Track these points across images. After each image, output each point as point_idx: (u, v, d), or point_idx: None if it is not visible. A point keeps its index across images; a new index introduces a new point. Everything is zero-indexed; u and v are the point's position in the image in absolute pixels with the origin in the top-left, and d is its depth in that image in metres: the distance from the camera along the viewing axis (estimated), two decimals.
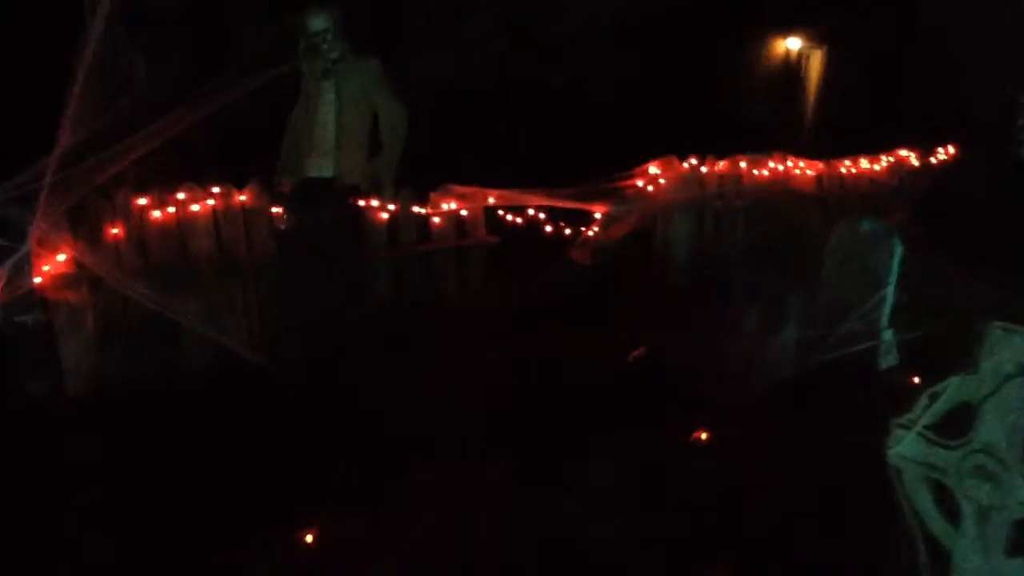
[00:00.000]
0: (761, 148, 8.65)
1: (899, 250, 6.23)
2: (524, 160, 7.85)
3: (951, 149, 10.06)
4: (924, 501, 2.86)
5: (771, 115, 14.03)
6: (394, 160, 5.95)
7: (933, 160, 9.90)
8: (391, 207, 6.53)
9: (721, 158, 8.25)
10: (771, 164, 8.53)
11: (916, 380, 6.07)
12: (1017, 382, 2.66)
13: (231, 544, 3.96)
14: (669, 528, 4.28)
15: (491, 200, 7.00)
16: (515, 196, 7.02)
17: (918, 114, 10.69)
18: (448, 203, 6.87)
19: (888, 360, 6.32)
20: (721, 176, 8.24)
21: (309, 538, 4.04)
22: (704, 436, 5.19)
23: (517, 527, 4.23)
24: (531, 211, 7.02)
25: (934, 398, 2.86)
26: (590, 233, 6.99)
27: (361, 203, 6.22)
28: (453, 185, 6.90)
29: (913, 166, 9.74)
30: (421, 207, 6.76)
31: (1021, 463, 2.65)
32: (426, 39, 9.60)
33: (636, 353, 6.11)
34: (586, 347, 6.30)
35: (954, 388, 2.82)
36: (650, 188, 7.63)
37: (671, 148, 8.04)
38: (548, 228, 7.02)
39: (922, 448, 2.85)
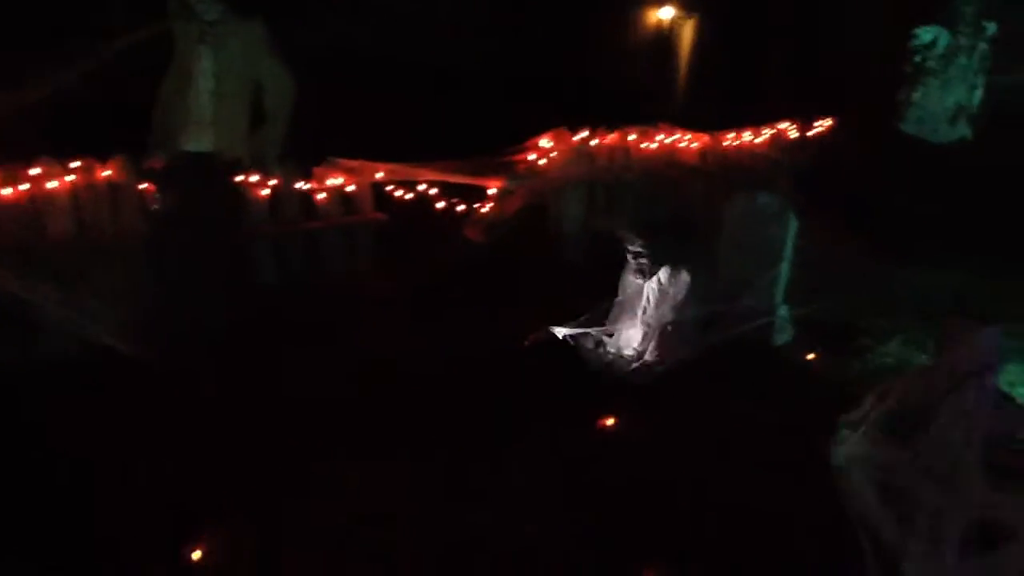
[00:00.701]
0: (642, 120, 8.54)
1: (794, 224, 6.26)
2: (412, 134, 7.49)
3: (828, 121, 10.28)
4: (871, 502, 2.78)
5: (646, 86, 14.04)
6: (280, 133, 5.53)
7: (812, 132, 10.08)
8: (272, 182, 6.09)
9: (611, 130, 8.12)
10: (658, 136, 8.46)
11: (810, 356, 6.16)
12: (972, 381, 2.58)
13: (99, 563, 3.55)
14: (586, 524, 4.14)
15: (379, 175, 6.65)
16: (405, 171, 6.68)
17: (792, 85, 10.87)
18: (334, 178, 6.47)
19: (783, 336, 6.36)
20: (611, 149, 8.11)
21: (196, 555, 3.66)
22: (611, 422, 5.06)
23: (426, 534, 3.98)
24: (422, 186, 6.70)
25: (883, 395, 2.76)
26: (484, 210, 6.72)
27: (241, 179, 5.76)
28: (339, 159, 6.51)
29: (793, 138, 9.90)
30: (305, 182, 6.34)
31: (977, 464, 2.58)
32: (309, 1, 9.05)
33: (535, 336, 5.93)
34: (482, 330, 6.09)
35: (904, 385, 2.72)
36: (542, 162, 7.41)
37: (551, 122, 7.85)
38: (440, 204, 6.71)
39: (870, 448, 2.76)
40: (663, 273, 5.92)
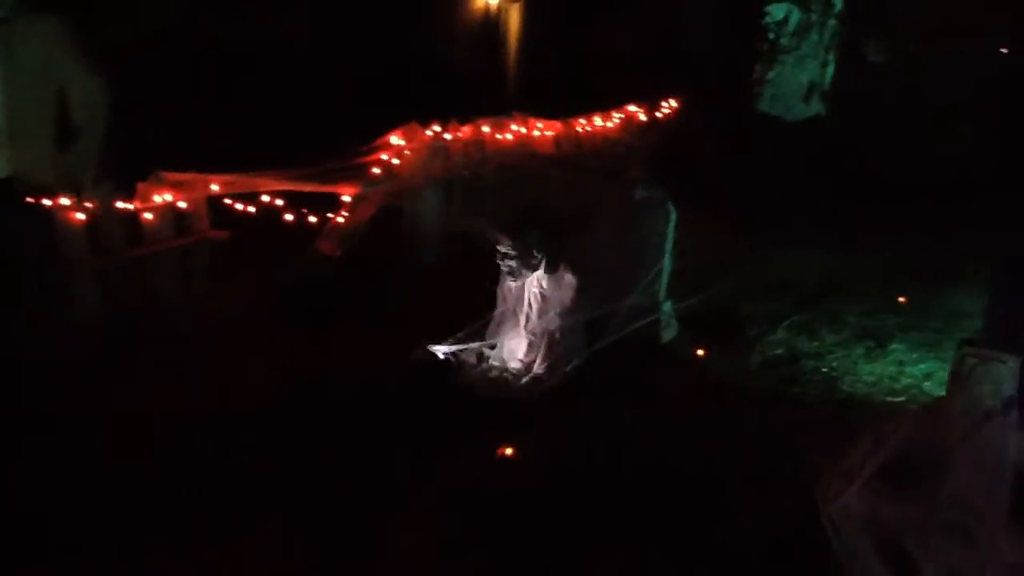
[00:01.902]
0: (476, 110, 7.99)
1: (674, 216, 5.93)
2: (246, 139, 6.70)
3: (674, 103, 10.11)
4: (871, 563, 2.36)
5: (479, 74, 13.53)
6: (94, 149, 4.65)
7: (659, 114, 9.88)
8: (88, 206, 5.20)
9: (464, 122, 7.57)
10: (513, 127, 7.99)
11: (700, 352, 5.86)
12: (997, 421, 2.18)
13: None
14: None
15: (215, 188, 5.84)
16: (244, 181, 5.91)
17: (638, 67, 10.64)
18: (161, 195, 5.63)
19: (669, 333, 6.04)
20: (465, 143, 7.57)
21: None
22: (509, 452, 4.55)
23: None
24: (266, 198, 5.93)
25: (880, 440, 2.33)
26: (338, 220, 6.03)
27: (49, 204, 4.85)
28: (165, 173, 5.67)
29: (642, 121, 9.67)
30: (128, 202, 5.47)
31: (1005, 515, 2.20)
32: None
33: (418, 355, 5.35)
34: (347, 356, 5.45)
35: (908, 427, 2.31)
36: (395, 161, 6.78)
37: (389, 116, 7.25)
38: (288, 217, 5.96)
39: (869, 502, 2.34)
40: (544, 277, 5.45)
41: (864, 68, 9.16)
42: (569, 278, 5.38)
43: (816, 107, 9.37)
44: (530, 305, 5.49)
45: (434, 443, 4.52)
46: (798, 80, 9.32)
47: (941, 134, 8.74)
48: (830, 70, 9.32)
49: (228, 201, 5.89)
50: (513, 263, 5.41)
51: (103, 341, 5.32)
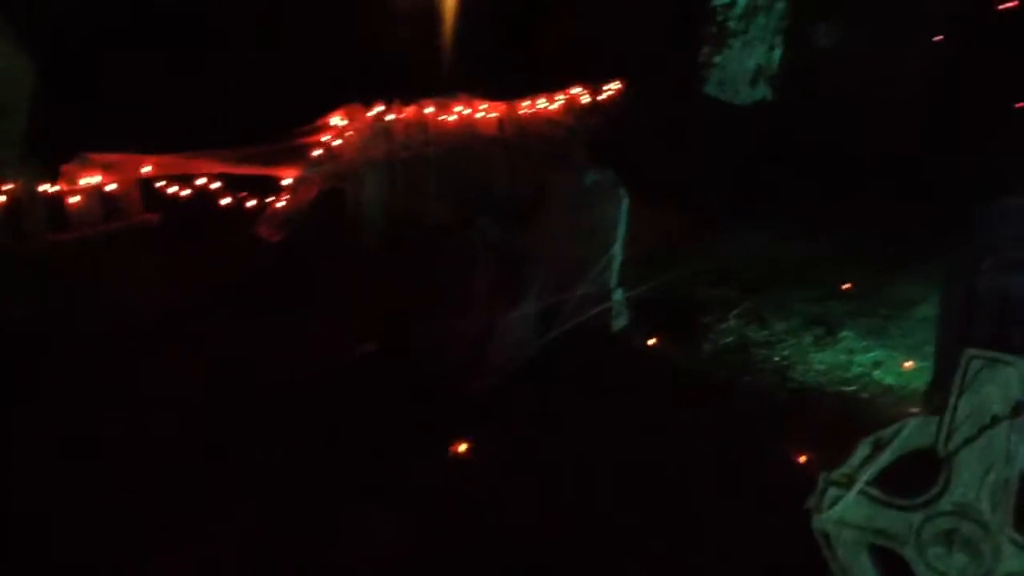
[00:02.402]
0: (413, 91, 7.74)
1: (626, 202, 5.82)
2: (180, 119, 6.36)
3: (617, 85, 9.96)
4: (866, 574, 2.29)
5: (417, 55, 13.22)
6: (16, 128, 4.33)
7: (602, 97, 9.74)
8: (8, 187, 4.86)
9: (406, 103, 7.33)
10: (457, 108, 7.78)
11: (652, 342, 5.79)
12: (1004, 426, 2.11)
13: None
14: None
15: (147, 169, 5.52)
16: (179, 163, 5.62)
17: (579, 48, 10.46)
18: (89, 177, 5.29)
19: (620, 322, 5.95)
20: (408, 124, 7.33)
21: None
22: (463, 448, 4.40)
23: None
24: (202, 180, 5.64)
25: (880, 445, 2.25)
26: (279, 204, 5.77)
27: None
28: (92, 154, 5.33)
29: (584, 104, 9.52)
30: (52, 184, 5.13)
31: (1009, 527, 2.14)
32: None
33: (364, 347, 5.15)
34: (293, 348, 5.21)
35: (910, 432, 2.22)
36: (336, 143, 6.53)
37: (329, 96, 6.99)
38: (226, 200, 5.68)
39: (866, 510, 2.26)
40: (496, 263, 5.30)
41: (812, 51, 9.16)
42: (525, 266, 5.23)
43: (762, 91, 9.34)
44: (484, 293, 5.33)
45: (385, 441, 4.34)
46: (745, 64, 9.28)
47: (882, 112, 8.81)
48: (778, 53, 9.30)
49: (161, 184, 5.58)
50: (471, 249, 5.26)
51: (26, 330, 4.99)
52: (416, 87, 8.03)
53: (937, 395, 4.50)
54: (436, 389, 4.94)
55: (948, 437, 2.17)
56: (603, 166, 6.08)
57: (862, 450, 2.26)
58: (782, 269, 7.03)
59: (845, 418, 4.81)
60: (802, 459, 4.35)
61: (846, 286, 6.80)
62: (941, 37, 9.45)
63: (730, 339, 5.83)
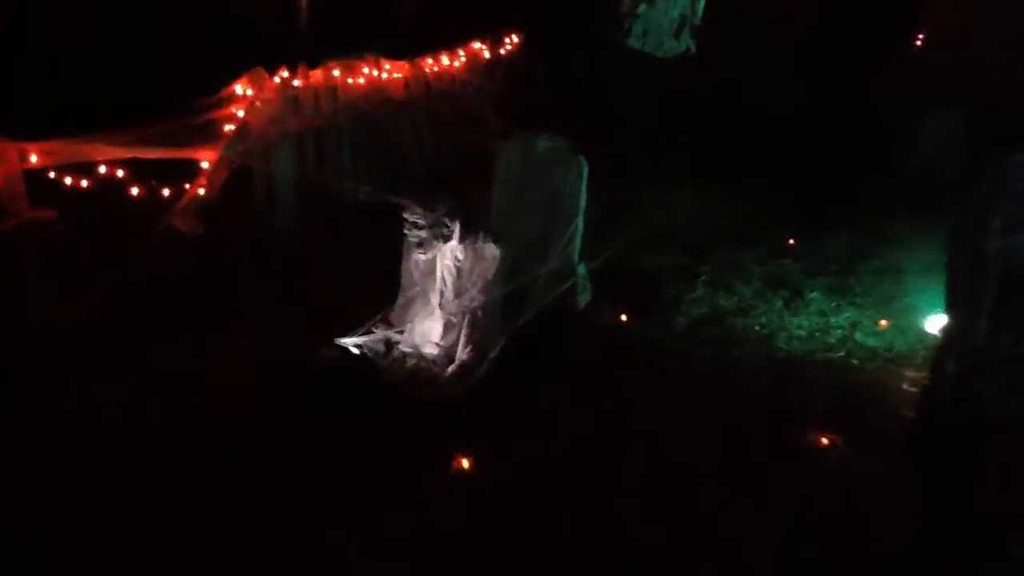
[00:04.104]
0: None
1: (585, 170, 5.35)
2: (64, 96, 5.42)
3: (515, 37, 9.43)
4: None
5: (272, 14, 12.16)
6: None
7: (503, 51, 9.20)
8: None
9: (311, 67, 6.59)
10: (365, 70, 7.09)
11: (624, 318, 5.40)
12: None
13: None
14: None
15: (34, 159, 4.64)
16: (71, 149, 4.74)
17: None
18: None
19: (585, 297, 5.53)
20: (316, 90, 6.60)
21: None
22: (466, 464, 3.89)
23: None
24: (103, 169, 4.80)
25: None
26: (199, 191, 5.00)
27: None
28: None
29: (486, 59, 8.97)
30: None
31: None
32: None
33: (324, 353, 4.50)
34: (224, 357, 4.53)
35: None
36: (241, 114, 5.76)
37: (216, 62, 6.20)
38: (134, 191, 4.87)
39: None
40: (459, 248, 4.70)
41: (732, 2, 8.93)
42: (492, 248, 4.67)
43: (686, 42, 9.02)
44: (444, 281, 4.75)
45: (343, 463, 3.76)
46: (669, 15, 8.91)
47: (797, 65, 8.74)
48: (701, 4, 8.99)
49: (54, 175, 4.71)
50: (423, 234, 4.61)
51: None
52: (308, 48, 7.30)
53: (947, 359, 4.38)
54: (410, 396, 4.39)
55: None
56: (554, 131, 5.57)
57: None
58: (720, 229, 6.80)
59: (847, 389, 4.61)
60: (824, 441, 4.10)
61: (790, 241, 6.66)
62: None
63: (703, 309, 5.52)
